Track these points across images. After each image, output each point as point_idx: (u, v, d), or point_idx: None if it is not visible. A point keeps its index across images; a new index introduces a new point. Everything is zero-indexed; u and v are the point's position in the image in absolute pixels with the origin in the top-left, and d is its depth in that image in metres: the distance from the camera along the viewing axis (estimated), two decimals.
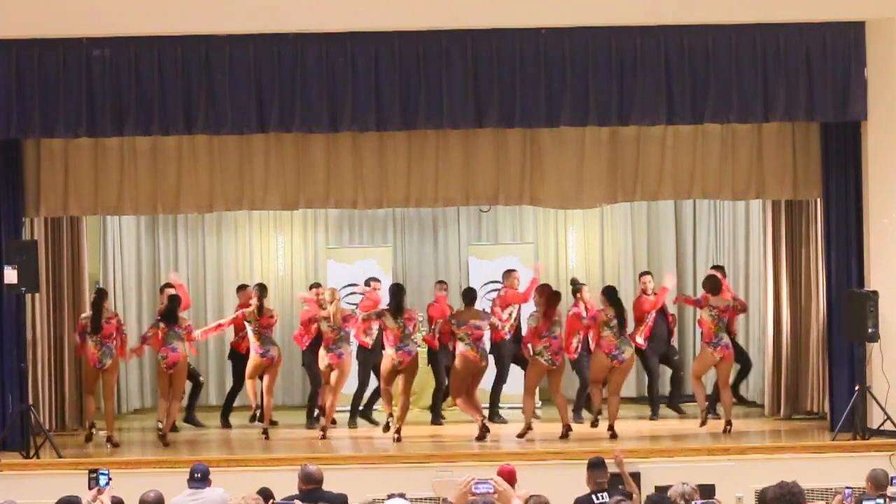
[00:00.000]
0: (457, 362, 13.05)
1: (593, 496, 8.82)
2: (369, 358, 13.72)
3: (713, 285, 13.23)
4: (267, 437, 13.18)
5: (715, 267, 14.47)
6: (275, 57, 12.40)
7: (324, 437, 13.00)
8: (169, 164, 13.18)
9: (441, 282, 14.75)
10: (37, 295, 13.21)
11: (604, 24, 12.40)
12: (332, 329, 13.10)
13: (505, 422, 13.82)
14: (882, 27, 12.47)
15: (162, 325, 13.19)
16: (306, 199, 13.39)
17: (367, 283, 14.13)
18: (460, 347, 13.00)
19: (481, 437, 12.83)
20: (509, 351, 13.87)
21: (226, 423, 14.28)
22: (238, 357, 14.21)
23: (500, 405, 14.17)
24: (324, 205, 13.73)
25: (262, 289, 13.79)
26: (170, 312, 13.23)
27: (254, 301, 13.59)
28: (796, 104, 12.47)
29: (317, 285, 14.37)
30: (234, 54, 12.38)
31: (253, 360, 13.55)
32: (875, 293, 12.26)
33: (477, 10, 12.30)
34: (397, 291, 13.17)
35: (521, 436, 12.88)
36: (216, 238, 16.38)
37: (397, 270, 16.15)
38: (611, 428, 12.80)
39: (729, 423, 12.92)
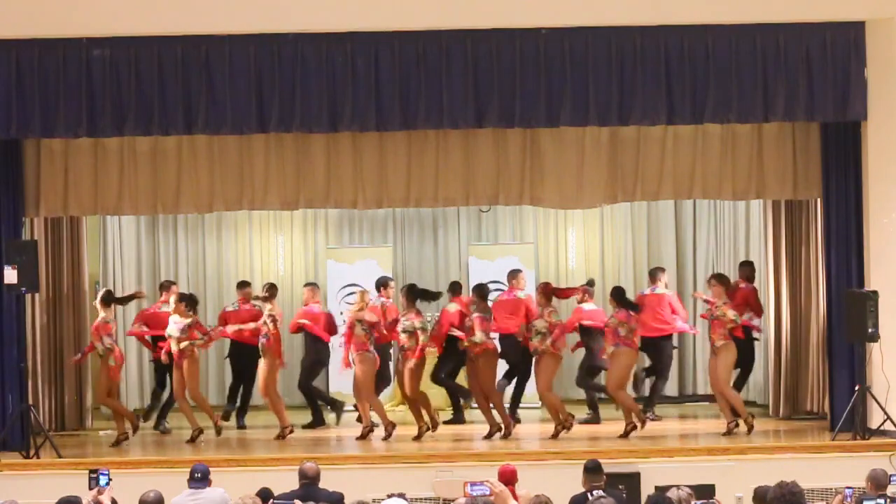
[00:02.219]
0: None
1: (588, 494, 8.83)
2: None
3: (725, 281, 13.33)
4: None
5: (743, 263, 14.46)
6: (275, 57, 12.40)
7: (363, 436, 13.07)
8: (169, 164, 13.18)
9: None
10: (37, 295, 13.22)
11: (604, 24, 12.40)
12: (365, 332, 13.07)
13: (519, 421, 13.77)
14: (882, 27, 12.47)
15: None
16: (306, 199, 13.40)
17: (383, 285, 13.91)
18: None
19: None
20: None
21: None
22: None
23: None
24: (324, 205, 13.74)
25: (272, 288, 13.78)
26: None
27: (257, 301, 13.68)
28: (796, 104, 12.47)
29: (312, 285, 14.36)
30: (234, 54, 12.38)
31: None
32: (875, 293, 12.26)
33: (477, 10, 12.30)
34: (408, 292, 13.17)
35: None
36: (216, 238, 16.38)
37: (397, 270, 16.14)
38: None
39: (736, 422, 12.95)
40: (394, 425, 12.97)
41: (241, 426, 14.15)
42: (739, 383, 13.80)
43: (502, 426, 12.93)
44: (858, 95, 12.45)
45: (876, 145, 12.61)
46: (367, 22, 12.32)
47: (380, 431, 12.97)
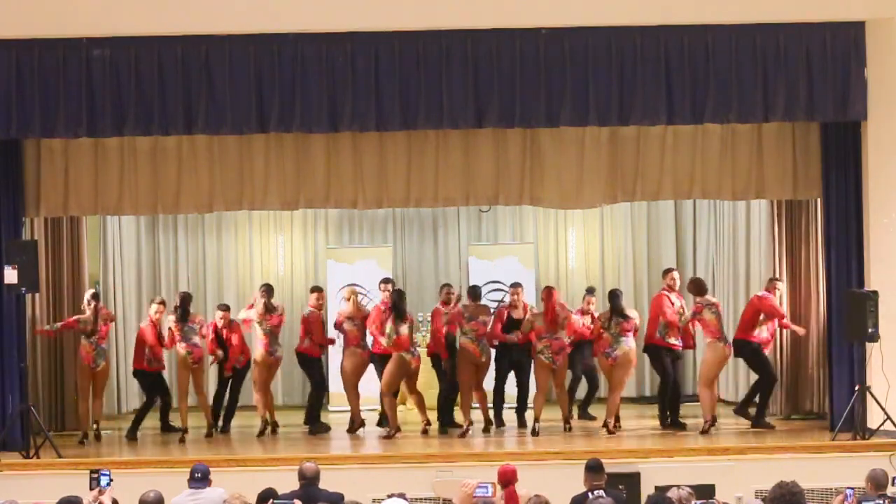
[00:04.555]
0: (459, 356, 13.28)
1: (589, 493, 8.84)
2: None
3: (697, 286, 13.40)
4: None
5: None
6: (275, 57, 12.39)
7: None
8: (169, 164, 13.18)
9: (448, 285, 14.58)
10: (37, 295, 13.23)
11: (604, 24, 12.40)
12: (357, 328, 13.18)
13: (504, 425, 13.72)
14: (882, 27, 12.47)
15: (176, 323, 13.45)
16: (306, 199, 13.40)
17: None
18: (462, 340, 13.18)
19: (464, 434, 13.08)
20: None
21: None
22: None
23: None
24: (324, 205, 13.74)
25: (269, 288, 13.87)
26: (183, 310, 13.48)
27: (261, 300, 13.66)
28: (796, 104, 12.47)
29: (318, 289, 14.24)
30: (234, 54, 12.37)
31: (263, 359, 13.62)
32: (875, 293, 12.26)
33: (477, 10, 12.30)
34: (399, 298, 13.18)
35: (534, 433, 13.04)
36: (216, 238, 16.39)
37: (397, 270, 16.15)
38: (605, 425, 13.06)
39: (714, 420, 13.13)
40: (363, 423, 13.37)
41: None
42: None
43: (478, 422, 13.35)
44: (858, 95, 12.45)
45: (876, 145, 12.61)
46: (367, 22, 12.31)
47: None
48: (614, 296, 13.38)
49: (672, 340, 13.34)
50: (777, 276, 13.93)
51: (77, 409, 13.77)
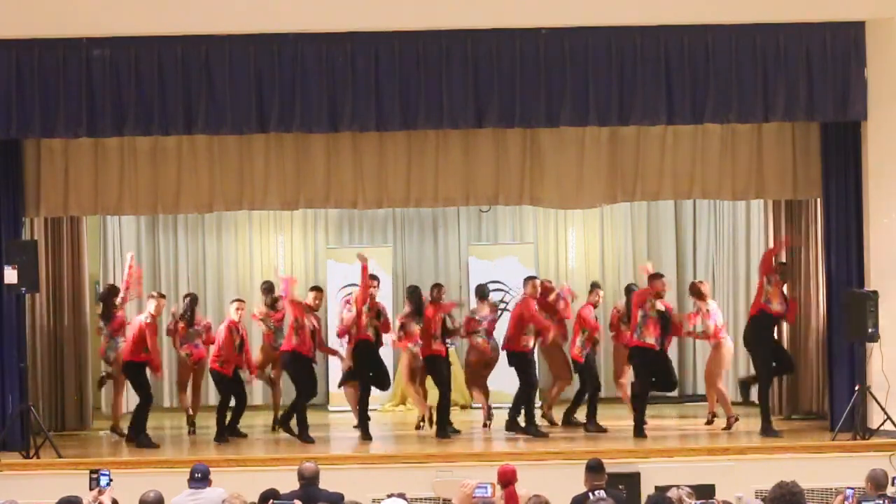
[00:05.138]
0: (471, 355, 13.51)
1: (589, 493, 8.85)
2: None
3: (699, 291, 13.49)
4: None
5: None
6: (275, 57, 12.39)
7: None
8: (169, 164, 13.19)
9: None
10: (37, 295, 13.23)
11: (604, 24, 12.40)
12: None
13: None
14: (882, 27, 12.47)
15: (181, 324, 13.59)
16: (306, 199, 13.41)
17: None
18: (474, 339, 13.40)
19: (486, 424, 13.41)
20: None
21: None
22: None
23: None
24: (324, 205, 13.75)
25: (270, 286, 14.08)
26: (191, 312, 13.64)
27: (265, 298, 13.95)
28: (796, 104, 12.47)
29: (317, 289, 14.13)
30: (234, 54, 12.37)
31: (267, 353, 13.90)
32: (875, 293, 12.26)
33: (477, 10, 12.30)
34: (414, 295, 13.36)
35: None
36: (216, 238, 16.40)
37: (397, 270, 16.16)
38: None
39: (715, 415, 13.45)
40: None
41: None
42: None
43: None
44: (858, 95, 12.45)
45: (876, 145, 12.61)
46: (367, 22, 12.31)
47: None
48: (630, 291, 13.48)
49: (649, 340, 12.81)
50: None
51: (76, 407, 13.85)
